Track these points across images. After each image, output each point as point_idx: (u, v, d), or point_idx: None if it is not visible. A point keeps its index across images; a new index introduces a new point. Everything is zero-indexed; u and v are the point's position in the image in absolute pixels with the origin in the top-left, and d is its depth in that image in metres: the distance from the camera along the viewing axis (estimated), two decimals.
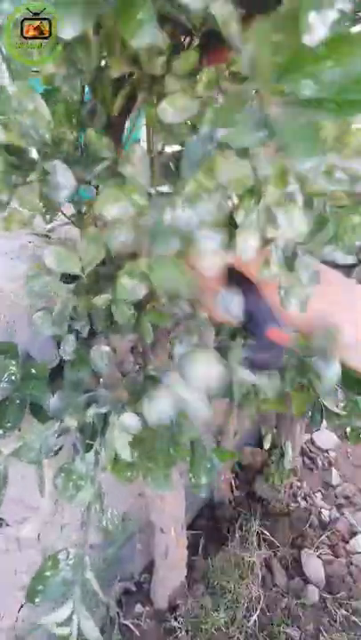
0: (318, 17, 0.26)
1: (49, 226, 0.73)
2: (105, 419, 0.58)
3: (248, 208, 0.39)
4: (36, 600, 0.53)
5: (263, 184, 0.38)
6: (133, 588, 1.34)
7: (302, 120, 0.29)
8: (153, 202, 0.41)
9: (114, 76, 0.44)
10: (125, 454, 0.54)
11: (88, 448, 0.57)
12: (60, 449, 0.61)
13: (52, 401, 0.59)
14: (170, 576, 1.27)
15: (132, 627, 1.23)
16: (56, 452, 0.59)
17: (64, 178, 0.43)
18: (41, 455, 0.56)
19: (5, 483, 0.56)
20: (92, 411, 0.57)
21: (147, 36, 0.29)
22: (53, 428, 0.57)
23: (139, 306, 0.57)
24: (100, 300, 0.53)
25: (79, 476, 0.55)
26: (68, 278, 0.55)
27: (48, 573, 0.54)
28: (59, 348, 0.67)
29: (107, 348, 0.60)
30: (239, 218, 0.39)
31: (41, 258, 0.49)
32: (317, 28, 0.26)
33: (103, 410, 0.57)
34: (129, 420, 0.54)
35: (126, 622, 1.24)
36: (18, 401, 0.60)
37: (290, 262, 0.42)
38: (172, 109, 0.38)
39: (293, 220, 0.39)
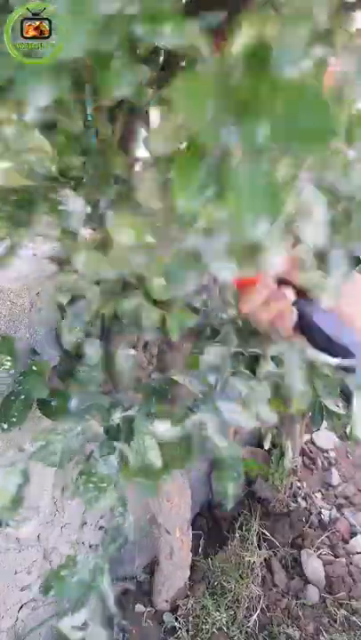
0: (293, 69, 0.26)
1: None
2: (128, 422, 0.57)
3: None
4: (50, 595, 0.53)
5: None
6: (133, 588, 1.34)
7: (262, 171, 0.27)
8: (163, 233, 0.40)
9: (107, 104, 0.44)
10: (158, 462, 0.53)
11: (111, 451, 0.56)
12: (92, 453, 0.59)
13: (72, 401, 0.58)
14: (173, 576, 1.27)
15: (131, 627, 1.23)
16: (87, 458, 0.58)
17: (76, 205, 0.43)
18: (65, 458, 0.54)
19: (27, 481, 0.55)
20: (117, 414, 0.56)
21: (125, 86, 0.29)
22: (77, 430, 0.56)
23: (164, 306, 0.57)
24: (130, 304, 0.53)
25: (100, 479, 0.54)
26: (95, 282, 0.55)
27: (63, 573, 0.54)
28: (60, 346, 0.67)
29: (132, 352, 0.60)
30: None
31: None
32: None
33: (131, 413, 0.56)
34: (164, 428, 0.53)
35: (126, 622, 1.24)
36: (22, 396, 0.60)
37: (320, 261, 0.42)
38: (160, 140, 0.37)
39: (311, 230, 0.38)
